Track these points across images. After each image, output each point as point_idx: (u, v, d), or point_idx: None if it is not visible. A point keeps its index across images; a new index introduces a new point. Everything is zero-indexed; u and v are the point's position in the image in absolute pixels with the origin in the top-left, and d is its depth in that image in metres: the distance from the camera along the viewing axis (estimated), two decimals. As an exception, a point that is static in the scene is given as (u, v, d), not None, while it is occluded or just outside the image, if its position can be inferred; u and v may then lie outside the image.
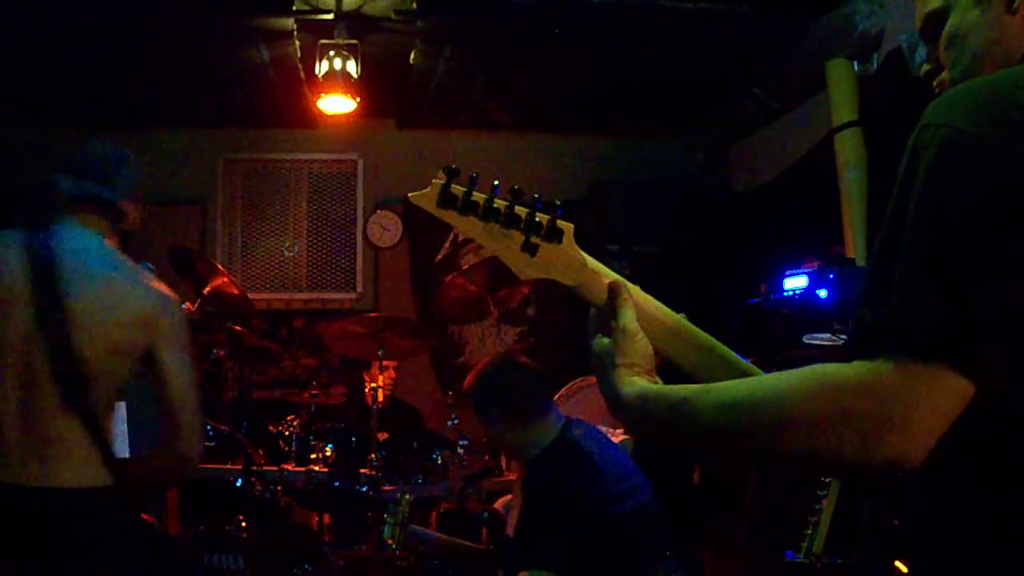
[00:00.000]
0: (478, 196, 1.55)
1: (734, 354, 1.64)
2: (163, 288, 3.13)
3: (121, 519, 3.07)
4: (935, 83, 1.58)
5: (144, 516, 4.17)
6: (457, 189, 1.55)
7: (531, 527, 3.43)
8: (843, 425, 1.21)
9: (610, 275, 1.65)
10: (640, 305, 1.62)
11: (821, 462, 1.32)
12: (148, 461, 3.36)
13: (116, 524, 3.03)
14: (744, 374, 1.59)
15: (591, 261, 1.63)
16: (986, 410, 1.21)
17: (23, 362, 2.91)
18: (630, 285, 1.64)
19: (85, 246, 3.07)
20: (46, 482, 2.88)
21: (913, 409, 1.19)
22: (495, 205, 1.56)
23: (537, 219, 1.57)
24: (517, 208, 1.57)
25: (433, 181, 1.55)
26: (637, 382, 1.54)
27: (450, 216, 1.56)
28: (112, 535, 3.01)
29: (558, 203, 1.60)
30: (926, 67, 1.61)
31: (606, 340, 1.61)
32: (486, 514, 4.11)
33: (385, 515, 3.41)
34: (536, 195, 1.59)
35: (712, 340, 1.65)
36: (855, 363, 1.23)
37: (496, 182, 1.58)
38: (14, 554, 2.85)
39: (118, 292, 3.02)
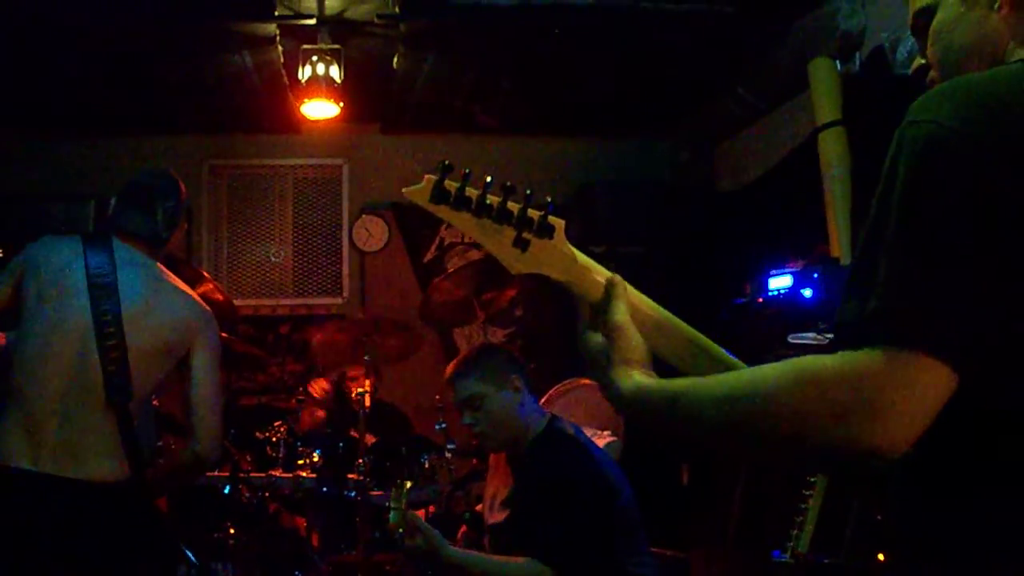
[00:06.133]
0: (471, 192, 1.58)
1: (719, 348, 1.67)
2: (202, 301, 3.46)
3: (143, 511, 3.28)
4: (928, 79, 1.60)
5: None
6: (450, 185, 1.58)
7: (523, 517, 3.42)
8: (826, 415, 1.23)
9: (600, 271, 1.66)
10: (630, 300, 1.64)
11: (807, 452, 1.36)
12: (169, 459, 3.61)
13: (139, 516, 3.25)
14: (729, 367, 1.62)
15: (581, 257, 1.65)
16: (968, 404, 1.23)
17: (77, 360, 3.14)
18: (620, 280, 1.65)
19: (136, 260, 3.35)
20: (78, 474, 3.07)
21: (894, 397, 1.20)
22: (488, 201, 1.58)
23: (528, 215, 1.60)
24: (509, 204, 1.59)
25: (427, 177, 1.58)
26: (634, 376, 1.56)
27: (443, 211, 1.59)
28: (135, 527, 3.22)
29: (549, 199, 1.62)
30: (920, 62, 1.64)
31: (600, 337, 1.62)
32: (468, 514, 4.11)
33: (388, 503, 3.41)
34: (528, 191, 1.61)
35: (697, 334, 1.68)
36: (838, 354, 1.25)
37: (489, 178, 1.61)
38: (46, 543, 3.02)
39: (165, 300, 3.33)
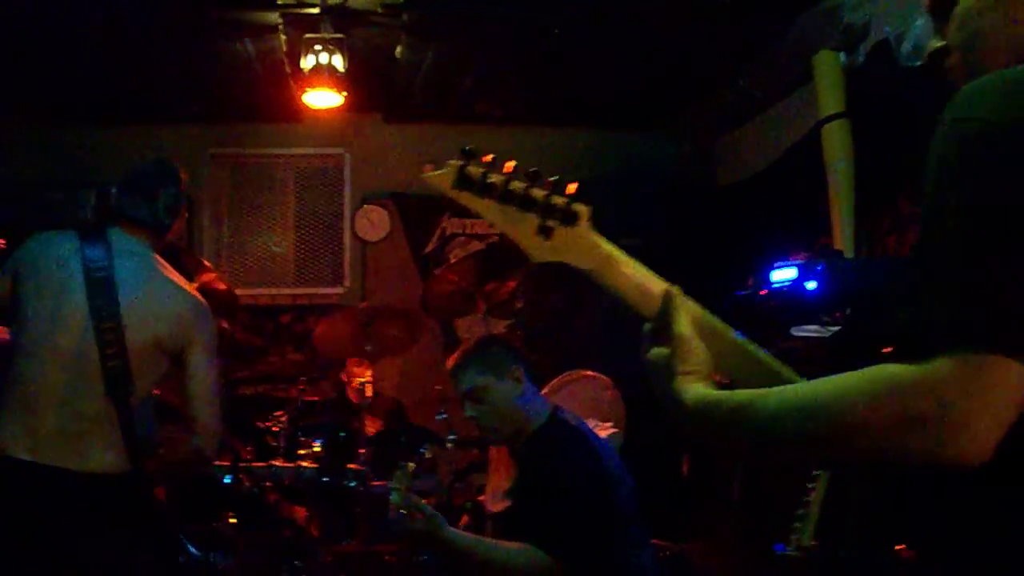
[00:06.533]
0: (495, 178, 1.56)
1: (773, 358, 1.62)
2: (199, 296, 3.48)
3: (143, 503, 3.32)
4: (946, 65, 1.53)
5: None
6: (474, 171, 1.55)
7: (525, 507, 3.42)
8: (908, 429, 1.19)
9: (627, 260, 1.63)
10: (689, 309, 1.60)
11: (887, 465, 1.31)
12: (170, 450, 3.64)
13: (138, 507, 3.28)
14: (787, 380, 1.56)
15: (607, 245, 1.62)
16: None
17: (75, 352, 3.17)
18: (678, 290, 1.61)
19: (133, 251, 3.37)
20: (78, 466, 3.11)
21: (973, 404, 1.16)
22: (512, 187, 1.56)
23: (553, 202, 1.57)
24: (533, 191, 1.56)
25: (449, 163, 1.56)
26: (698, 388, 1.51)
27: (466, 198, 1.56)
28: (134, 518, 3.25)
29: (576, 186, 1.59)
30: (936, 44, 1.55)
31: (663, 349, 1.56)
32: (469, 504, 4.11)
33: (390, 484, 3.40)
34: (554, 178, 1.58)
35: (751, 344, 1.63)
36: (916, 364, 1.20)
37: (513, 163, 1.58)
38: (45, 533, 3.05)
39: (162, 294, 3.35)
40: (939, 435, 1.17)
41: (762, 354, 1.62)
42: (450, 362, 3.61)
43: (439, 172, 1.55)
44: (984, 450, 1.17)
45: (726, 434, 1.47)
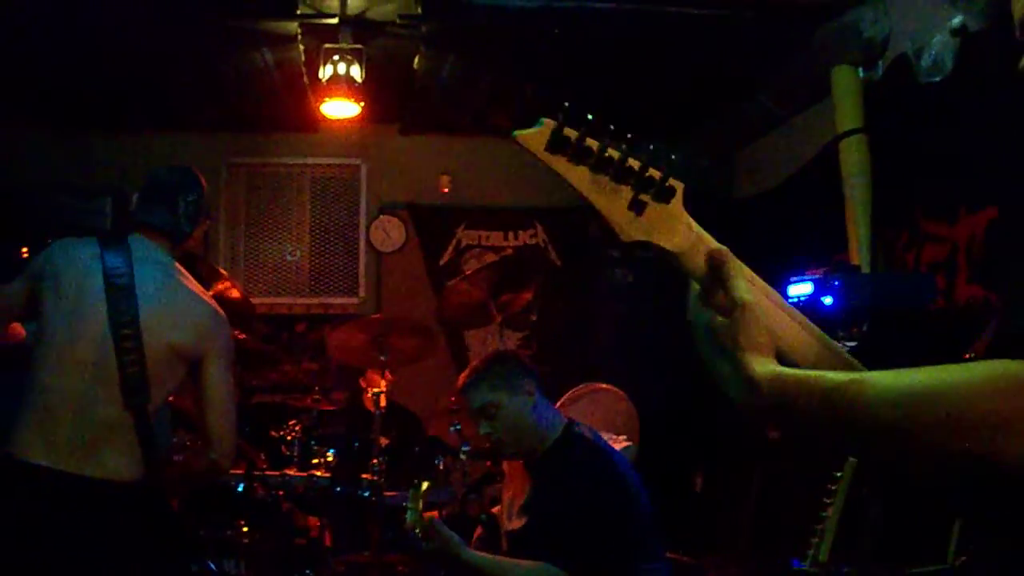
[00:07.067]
0: (591, 143, 1.40)
1: (835, 342, 1.49)
2: (218, 307, 3.46)
3: (157, 510, 3.33)
4: None
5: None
6: (571, 132, 1.39)
7: (541, 522, 3.40)
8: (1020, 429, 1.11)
9: (713, 243, 1.48)
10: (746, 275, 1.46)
11: (988, 469, 1.17)
12: (183, 463, 3.65)
13: (153, 515, 3.29)
14: (851, 365, 1.45)
15: (696, 226, 1.48)
16: None
17: (94, 359, 3.17)
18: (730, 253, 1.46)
19: (153, 259, 3.37)
20: (93, 472, 3.10)
21: None
22: (608, 154, 1.40)
23: (649, 174, 1.42)
24: (631, 160, 1.41)
25: (545, 120, 1.38)
26: (770, 363, 1.36)
27: (559, 163, 1.39)
28: (149, 525, 3.25)
29: (673, 157, 1.45)
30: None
31: (721, 318, 1.41)
32: (484, 516, 4.10)
33: (405, 503, 3.40)
34: (652, 146, 1.44)
35: (810, 323, 1.49)
36: None
37: (611, 126, 1.42)
38: (60, 538, 3.04)
39: (182, 303, 3.35)
40: None
41: (820, 333, 1.48)
42: (460, 380, 3.60)
43: (532, 131, 1.38)
44: None
45: (809, 418, 1.32)
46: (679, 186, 1.44)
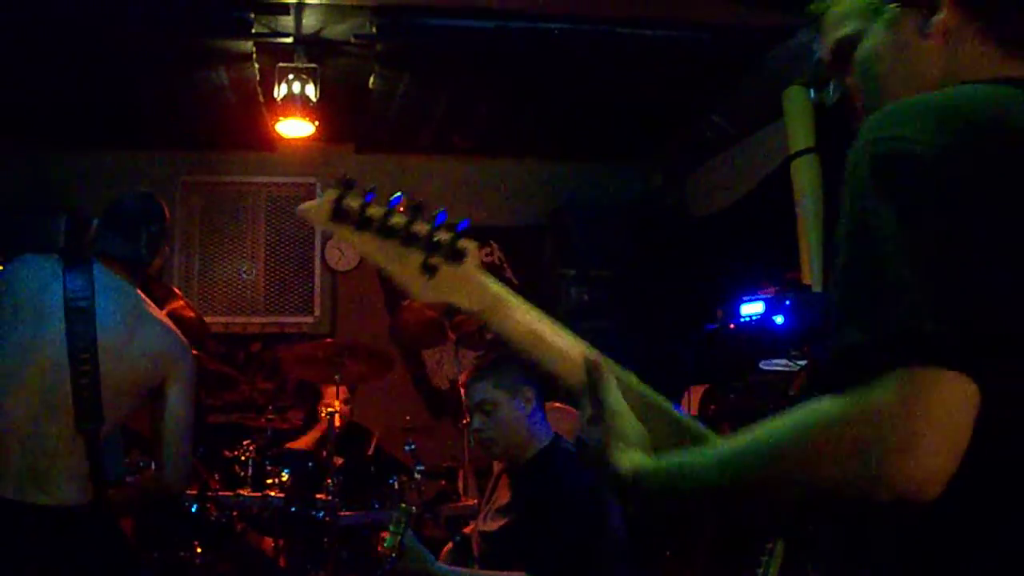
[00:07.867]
0: (374, 211, 1.44)
1: (701, 426, 1.54)
2: (182, 336, 3.41)
3: (106, 534, 3.24)
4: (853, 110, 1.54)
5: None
6: (352, 203, 1.43)
7: (519, 529, 3.44)
8: (843, 458, 1.12)
9: (520, 305, 1.52)
10: (616, 375, 1.51)
11: (832, 504, 1.19)
12: (134, 486, 3.60)
13: (102, 539, 3.21)
14: (690, 431, 1.51)
15: (495, 285, 1.51)
16: (995, 418, 1.11)
17: (47, 384, 3.08)
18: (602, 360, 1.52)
19: (116, 286, 3.29)
20: (41, 499, 3.03)
21: (916, 424, 1.08)
22: (392, 222, 1.44)
23: (436, 238, 1.45)
24: (416, 226, 1.45)
25: (326, 192, 1.43)
26: (633, 457, 1.43)
27: (344, 232, 1.44)
28: (98, 549, 3.17)
29: (463, 220, 1.48)
30: (837, 95, 1.59)
31: (595, 427, 1.48)
32: (459, 538, 4.10)
33: (390, 527, 3.41)
34: (439, 209, 1.47)
35: (678, 413, 1.55)
36: (848, 392, 1.13)
37: (399, 194, 1.46)
38: (10, 568, 2.98)
39: (143, 331, 3.28)
40: (883, 461, 1.08)
41: (701, 429, 1.52)
42: (465, 374, 3.70)
43: (314, 203, 1.43)
44: (933, 475, 1.08)
45: (666, 497, 1.42)
46: (471, 246, 1.47)
